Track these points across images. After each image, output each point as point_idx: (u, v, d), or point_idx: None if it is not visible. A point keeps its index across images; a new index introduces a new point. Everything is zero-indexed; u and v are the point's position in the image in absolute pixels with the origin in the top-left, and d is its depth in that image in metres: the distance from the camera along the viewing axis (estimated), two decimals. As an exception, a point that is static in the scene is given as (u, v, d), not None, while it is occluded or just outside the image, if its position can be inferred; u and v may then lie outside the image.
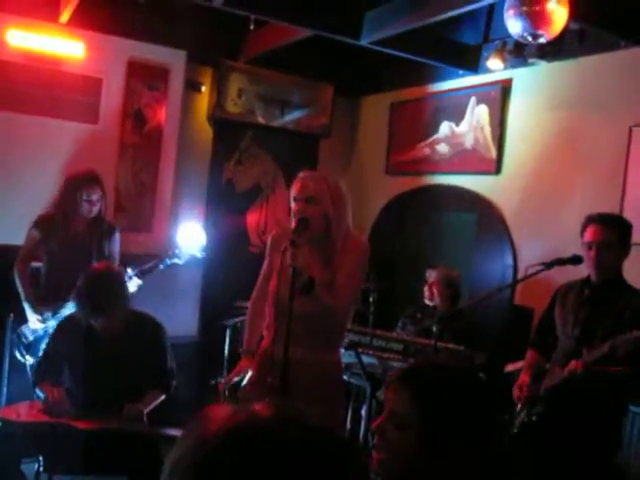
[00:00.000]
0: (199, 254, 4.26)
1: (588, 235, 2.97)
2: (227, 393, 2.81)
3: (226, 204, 5.83)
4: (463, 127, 5.24)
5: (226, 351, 4.66)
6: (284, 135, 6.02)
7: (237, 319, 4.72)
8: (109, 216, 4.49)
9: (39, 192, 4.87)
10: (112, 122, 5.15)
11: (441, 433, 1.35)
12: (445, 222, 5.63)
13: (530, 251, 4.53)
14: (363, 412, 3.89)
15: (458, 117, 5.28)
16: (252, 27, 4.78)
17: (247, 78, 5.69)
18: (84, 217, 4.19)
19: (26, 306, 4.09)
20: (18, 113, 4.77)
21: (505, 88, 4.91)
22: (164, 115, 5.31)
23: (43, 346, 3.64)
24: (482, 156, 5.06)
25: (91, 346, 3.13)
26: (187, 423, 0.82)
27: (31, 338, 4.07)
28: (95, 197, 4.16)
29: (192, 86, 5.53)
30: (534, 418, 3.02)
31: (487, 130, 5.02)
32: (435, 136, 5.51)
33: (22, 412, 2.98)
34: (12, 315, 4.43)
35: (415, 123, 5.74)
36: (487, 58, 4.67)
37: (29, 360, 4.02)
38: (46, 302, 4.05)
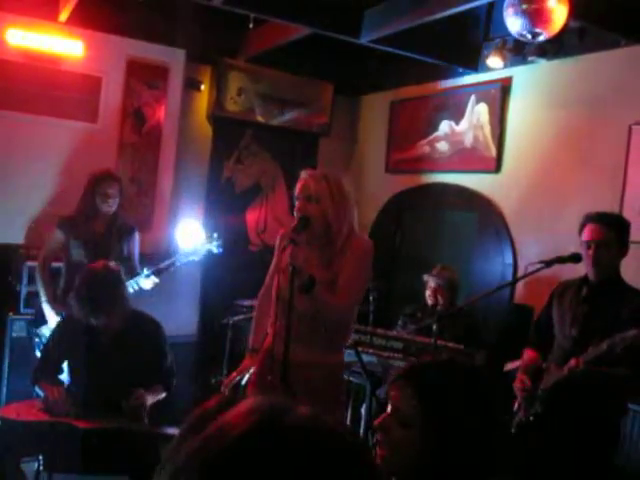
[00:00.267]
0: (215, 249, 4.27)
1: (586, 234, 2.97)
2: (227, 392, 2.81)
3: (225, 203, 5.82)
4: (463, 125, 5.24)
5: (226, 350, 4.66)
6: (284, 134, 6.01)
7: (237, 318, 4.72)
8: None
9: (38, 191, 4.88)
10: (111, 121, 5.14)
11: (444, 431, 1.35)
12: (445, 220, 5.63)
13: (530, 249, 4.53)
14: (363, 411, 3.89)
15: (458, 115, 5.28)
16: (251, 25, 4.78)
17: (246, 77, 5.68)
18: (104, 217, 4.24)
19: (46, 307, 4.11)
20: (17, 112, 4.77)
21: (505, 86, 4.91)
22: (163, 114, 5.30)
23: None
24: (482, 154, 5.06)
25: (91, 345, 3.13)
26: (185, 420, 0.81)
27: None
28: (111, 191, 4.20)
29: (191, 85, 5.53)
30: (531, 418, 3.01)
31: (487, 128, 5.01)
32: (435, 134, 5.50)
33: (22, 411, 2.98)
34: (11, 314, 4.44)
35: (415, 121, 5.73)
36: (487, 56, 4.66)
37: None
38: (65, 302, 4.07)
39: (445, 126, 5.41)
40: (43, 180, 4.89)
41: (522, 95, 4.83)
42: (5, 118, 4.74)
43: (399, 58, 4.95)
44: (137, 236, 4.43)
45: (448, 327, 3.91)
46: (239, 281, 5.33)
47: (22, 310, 4.47)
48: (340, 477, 0.72)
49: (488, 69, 4.82)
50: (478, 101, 5.10)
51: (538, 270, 3.11)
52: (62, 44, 4.84)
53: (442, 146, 5.44)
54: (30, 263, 4.51)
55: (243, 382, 2.94)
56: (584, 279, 3.07)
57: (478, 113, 5.10)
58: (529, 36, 3.40)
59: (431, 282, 4.37)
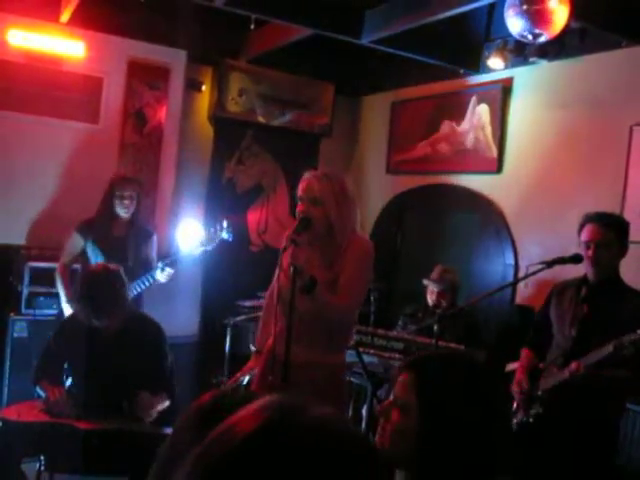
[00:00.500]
0: (226, 236, 4.28)
1: (586, 234, 2.97)
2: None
3: (226, 203, 5.82)
4: (464, 126, 5.24)
5: (227, 350, 4.66)
6: (285, 134, 6.01)
7: (238, 318, 4.72)
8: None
9: (40, 192, 4.89)
10: (113, 122, 5.15)
11: (440, 421, 1.37)
12: (446, 221, 5.63)
13: (531, 250, 4.53)
14: (364, 411, 3.88)
15: (459, 116, 5.28)
16: (252, 26, 4.78)
17: (248, 77, 5.69)
18: (122, 221, 4.28)
19: (66, 307, 4.16)
20: (19, 113, 4.78)
21: (506, 87, 4.91)
22: (165, 115, 5.31)
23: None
24: (483, 155, 5.06)
25: (92, 346, 3.13)
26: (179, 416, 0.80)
27: None
28: (127, 194, 4.24)
29: (193, 85, 5.53)
30: (531, 419, 3.01)
31: (488, 129, 5.01)
32: (436, 135, 5.50)
33: (23, 412, 2.98)
34: (12, 314, 4.45)
35: (416, 122, 5.73)
36: (488, 57, 4.66)
37: None
38: None
39: (446, 127, 5.41)
40: (44, 181, 4.90)
41: (523, 96, 4.83)
42: (6, 119, 4.75)
43: (400, 59, 4.95)
44: (155, 240, 4.48)
45: (449, 327, 3.91)
46: (240, 281, 5.34)
47: (23, 310, 4.47)
48: (350, 478, 0.72)
49: (489, 70, 4.82)
50: (479, 102, 5.10)
51: (539, 271, 3.10)
52: (63, 45, 4.85)
53: (443, 147, 5.44)
54: (31, 264, 4.52)
55: (245, 382, 2.94)
56: (583, 279, 3.07)
57: (479, 114, 5.10)
58: (530, 37, 3.40)
59: (433, 287, 4.37)
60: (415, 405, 1.40)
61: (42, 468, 2.80)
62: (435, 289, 4.35)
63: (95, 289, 3.11)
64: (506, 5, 3.44)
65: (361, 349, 3.42)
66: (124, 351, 3.13)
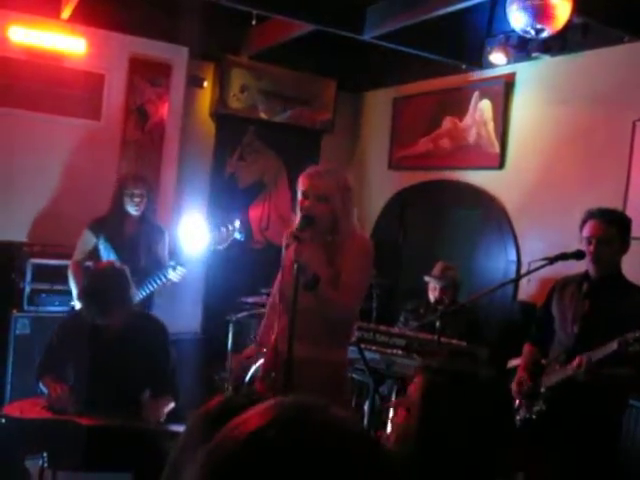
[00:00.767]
0: (239, 236, 4.27)
1: (587, 230, 2.96)
2: (231, 389, 2.82)
3: (229, 199, 5.82)
4: (466, 122, 5.22)
5: (229, 347, 4.66)
6: (286, 130, 6.01)
7: (240, 315, 4.72)
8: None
9: (42, 189, 4.89)
10: (114, 118, 5.15)
11: (433, 432, 1.39)
12: (448, 217, 5.62)
13: (533, 246, 4.52)
14: (366, 408, 3.88)
15: (461, 112, 5.27)
16: (254, 22, 4.77)
17: (249, 73, 5.68)
18: (133, 219, 4.30)
19: (78, 304, 4.14)
20: (20, 109, 4.78)
21: (508, 83, 4.89)
22: (166, 111, 5.31)
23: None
24: (485, 151, 5.04)
25: (95, 344, 3.13)
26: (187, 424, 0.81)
27: None
28: (137, 192, 4.26)
29: (194, 82, 5.53)
30: (534, 416, 3.01)
31: (490, 125, 5.00)
32: (438, 131, 5.49)
33: (26, 409, 2.98)
34: (15, 311, 4.45)
35: (418, 118, 5.72)
36: (490, 53, 4.65)
37: None
38: None
39: (448, 123, 5.40)
40: (46, 178, 4.90)
41: (525, 91, 4.82)
42: (8, 115, 4.75)
43: (402, 54, 4.94)
44: (167, 237, 4.49)
45: (450, 324, 3.91)
46: (242, 278, 5.34)
47: (26, 307, 4.48)
48: (356, 476, 0.72)
49: (491, 65, 4.81)
50: (481, 97, 5.09)
51: (541, 267, 3.10)
52: (64, 41, 4.84)
53: (445, 143, 5.43)
54: (34, 260, 4.53)
55: (247, 379, 2.95)
56: (585, 275, 3.06)
57: (481, 109, 5.08)
58: (532, 32, 3.39)
59: (435, 283, 4.36)
60: (417, 408, 1.42)
61: (45, 465, 2.80)
62: (437, 285, 4.35)
63: (100, 286, 3.11)
64: (508, 0, 3.43)
65: (363, 345, 3.42)
66: (127, 349, 3.13)
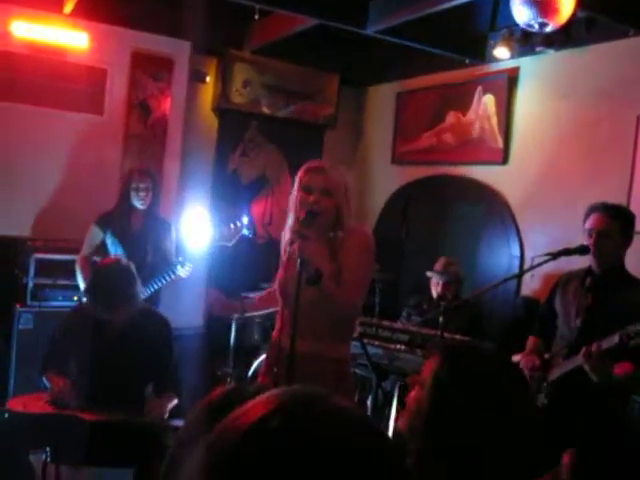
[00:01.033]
0: (247, 232, 4.28)
1: (589, 222, 2.98)
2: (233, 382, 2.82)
3: (231, 195, 5.82)
4: (470, 117, 5.21)
5: (232, 342, 4.66)
6: (289, 125, 6.00)
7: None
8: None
9: (44, 184, 4.89)
10: (117, 113, 5.14)
11: (442, 410, 1.39)
12: (451, 212, 5.62)
13: (537, 241, 4.51)
14: (369, 403, 3.89)
15: (465, 107, 5.25)
16: (257, 17, 4.76)
17: (252, 68, 5.67)
18: (140, 213, 4.31)
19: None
20: (23, 104, 4.78)
21: (512, 77, 4.88)
22: (169, 106, 5.30)
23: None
24: (489, 146, 5.03)
25: (98, 338, 3.13)
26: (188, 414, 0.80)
27: None
28: (143, 185, 4.27)
29: (197, 76, 5.52)
30: None
31: (494, 119, 4.99)
32: (441, 125, 5.48)
33: (29, 403, 2.98)
34: (18, 306, 4.46)
35: (421, 113, 5.71)
36: (494, 47, 4.63)
37: None
38: None
39: (452, 117, 5.39)
40: (49, 172, 4.90)
41: (529, 86, 4.80)
42: (10, 110, 4.74)
43: (405, 49, 4.92)
44: (174, 231, 4.50)
45: (453, 319, 3.90)
46: (245, 273, 5.34)
47: (29, 302, 4.48)
48: (360, 469, 0.71)
49: (495, 60, 4.80)
50: (485, 92, 5.08)
51: (545, 262, 3.09)
52: (67, 36, 4.84)
53: (449, 137, 5.42)
54: (37, 255, 4.53)
55: (250, 373, 2.95)
56: (588, 270, 3.06)
57: (485, 104, 5.07)
58: (536, 26, 3.37)
59: (437, 279, 4.36)
60: (428, 384, 1.44)
61: (48, 459, 2.80)
62: (439, 281, 4.34)
63: (106, 283, 3.10)
64: (512, -6, 3.41)
65: (366, 340, 3.42)
66: (130, 344, 3.13)
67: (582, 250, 2.99)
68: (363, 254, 2.68)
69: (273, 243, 5.60)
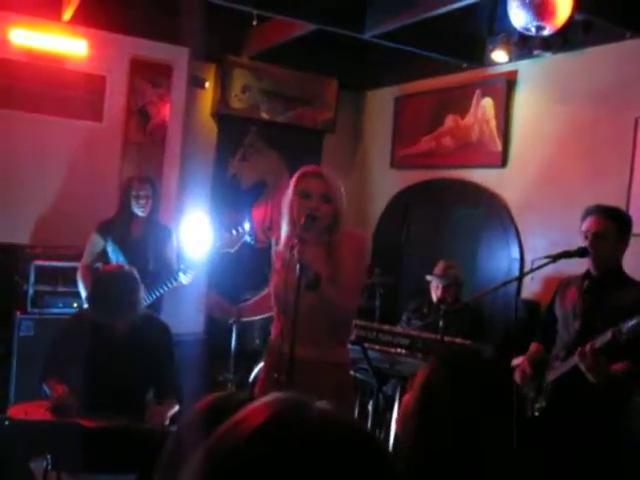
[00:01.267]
0: (249, 239, 4.27)
1: (585, 225, 3.00)
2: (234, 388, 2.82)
3: (231, 200, 5.82)
4: (468, 120, 5.22)
5: (232, 347, 4.65)
6: (288, 130, 6.00)
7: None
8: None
9: (44, 191, 4.89)
10: (116, 120, 5.15)
11: (428, 416, 1.40)
12: (451, 215, 5.62)
13: (537, 244, 4.51)
14: (370, 407, 3.88)
15: (463, 110, 5.26)
16: (255, 23, 4.77)
17: (251, 74, 5.68)
18: (140, 220, 4.30)
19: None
20: (22, 111, 4.79)
21: (510, 80, 4.88)
22: (168, 112, 5.31)
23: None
24: (488, 149, 5.04)
25: (99, 344, 3.12)
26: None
27: None
28: (143, 193, 4.26)
29: (196, 83, 5.53)
30: (537, 413, 3.00)
31: (492, 123, 4.99)
32: (440, 129, 5.49)
33: (30, 411, 2.98)
34: (19, 313, 4.46)
35: (420, 116, 5.72)
36: (492, 50, 4.64)
37: None
38: None
39: (450, 121, 5.39)
40: (48, 179, 4.90)
41: (527, 89, 4.81)
42: (9, 117, 4.75)
43: (403, 53, 4.93)
44: (174, 238, 4.49)
45: (454, 322, 3.91)
46: (245, 278, 5.33)
47: (29, 309, 4.48)
48: (354, 473, 0.72)
49: (493, 63, 4.80)
50: (483, 95, 5.08)
51: (544, 265, 3.09)
52: (66, 43, 4.85)
53: (447, 141, 5.42)
54: (37, 262, 4.53)
55: (251, 380, 2.94)
56: (586, 273, 3.07)
57: (483, 107, 5.08)
58: (533, 30, 3.38)
59: (437, 282, 4.36)
60: (419, 384, 1.46)
61: (49, 467, 2.80)
62: (439, 284, 4.34)
63: (109, 290, 3.10)
64: (509, -2, 3.42)
65: (366, 345, 3.42)
66: (131, 350, 3.12)
67: (581, 252, 2.99)
68: (358, 257, 2.70)
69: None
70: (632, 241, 3.03)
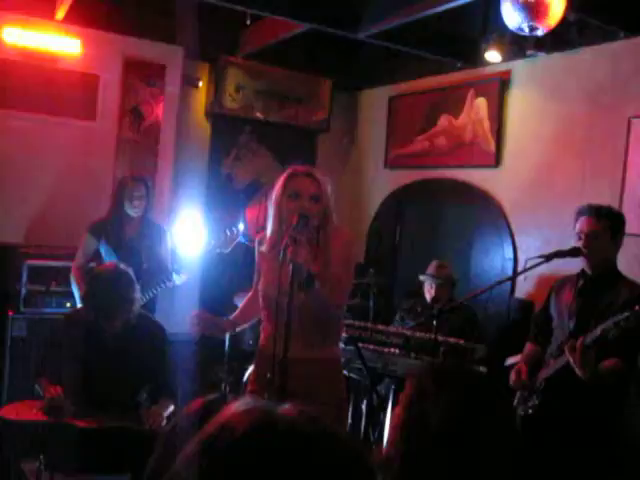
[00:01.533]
0: (243, 240, 4.26)
1: (578, 225, 3.01)
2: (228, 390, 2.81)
3: (225, 199, 5.81)
4: (462, 120, 5.22)
5: (226, 347, 4.65)
6: (282, 130, 6.00)
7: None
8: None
9: (37, 190, 4.88)
10: (110, 119, 5.14)
11: (413, 430, 1.40)
12: (445, 215, 5.62)
13: (530, 244, 4.52)
14: (364, 407, 3.88)
15: (457, 110, 5.26)
16: (249, 22, 4.76)
17: (245, 73, 5.67)
18: (134, 221, 4.27)
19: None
20: (15, 110, 4.77)
21: (504, 80, 4.89)
22: (162, 111, 5.30)
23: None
24: (481, 149, 5.04)
25: (93, 344, 3.12)
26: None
27: None
28: (137, 194, 4.22)
29: (189, 82, 5.52)
30: (530, 411, 3.01)
31: (486, 123, 5.00)
32: (434, 129, 5.49)
33: (22, 411, 2.97)
34: (11, 313, 4.44)
35: (414, 117, 5.72)
36: (486, 50, 4.64)
37: None
38: None
39: (444, 121, 5.40)
40: (41, 179, 4.89)
41: (521, 89, 4.82)
42: (2, 117, 4.74)
43: (397, 53, 4.94)
44: (168, 237, 4.45)
45: (447, 322, 3.91)
46: (239, 278, 5.32)
47: (22, 309, 4.47)
48: (334, 477, 0.72)
49: (487, 63, 4.81)
50: (477, 95, 5.09)
51: (538, 264, 3.10)
52: (59, 42, 4.83)
53: (441, 141, 5.43)
54: (29, 262, 4.51)
55: (245, 380, 2.94)
56: (581, 272, 3.08)
57: (477, 107, 5.08)
58: (527, 30, 3.38)
59: (430, 282, 4.35)
60: (406, 398, 1.45)
61: (42, 467, 2.79)
62: (432, 284, 4.34)
63: (103, 287, 3.09)
64: (503, -2, 3.42)
65: (360, 344, 3.42)
66: (125, 350, 3.12)
67: (574, 252, 3.00)
68: (347, 255, 2.71)
69: (267, 248, 5.59)
70: (626, 240, 3.04)
